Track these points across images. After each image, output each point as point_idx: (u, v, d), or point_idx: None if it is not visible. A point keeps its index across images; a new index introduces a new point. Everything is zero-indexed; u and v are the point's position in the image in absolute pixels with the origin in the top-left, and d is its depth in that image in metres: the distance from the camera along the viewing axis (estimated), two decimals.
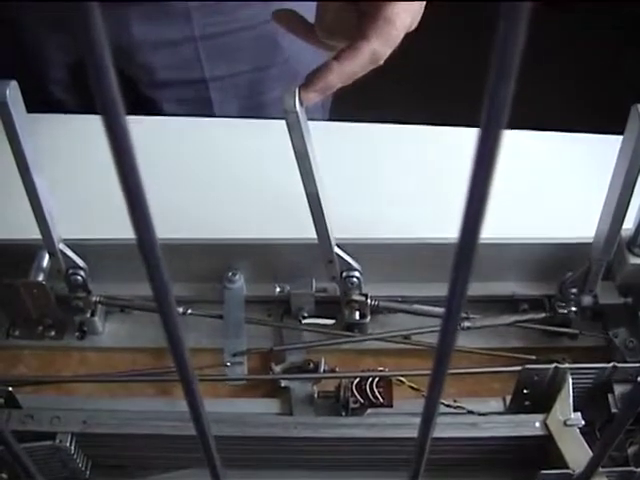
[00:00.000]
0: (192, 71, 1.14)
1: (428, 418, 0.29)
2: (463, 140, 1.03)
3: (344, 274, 0.80)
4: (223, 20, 1.09)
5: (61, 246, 0.78)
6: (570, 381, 0.71)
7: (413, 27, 0.70)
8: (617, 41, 2.79)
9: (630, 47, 2.71)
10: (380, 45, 0.66)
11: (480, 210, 0.21)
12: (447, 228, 0.71)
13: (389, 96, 2.36)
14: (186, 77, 1.15)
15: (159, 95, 1.17)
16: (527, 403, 0.74)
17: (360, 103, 1.37)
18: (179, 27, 1.08)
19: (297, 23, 0.74)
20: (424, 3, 0.71)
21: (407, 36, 0.70)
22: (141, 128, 1.02)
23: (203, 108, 1.17)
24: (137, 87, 1.15)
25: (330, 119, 1.31)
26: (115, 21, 1.04)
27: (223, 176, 1.04)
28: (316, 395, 0.77)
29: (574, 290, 0.81)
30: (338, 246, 0.77)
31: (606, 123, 0.96)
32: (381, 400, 0.74)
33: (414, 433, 0.66)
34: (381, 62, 0.68)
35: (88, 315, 0.84)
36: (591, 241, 0.78)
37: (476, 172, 0.20)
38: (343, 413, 0.75)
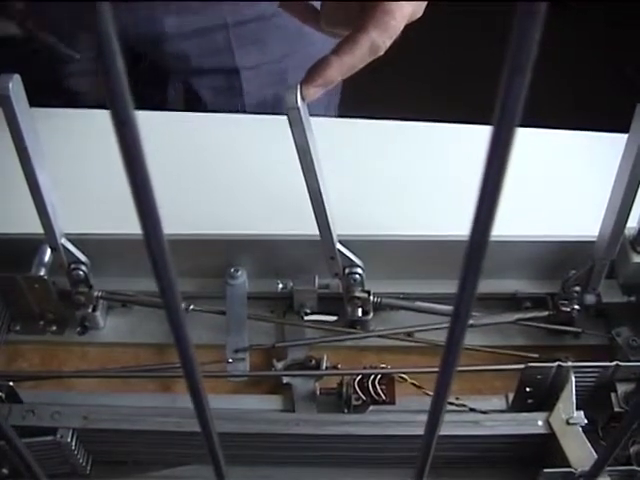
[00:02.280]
0: (224, 59, 1.15)
1: (435, 417, 0.29)
2: (468, 137, 1.03)
3: (346, 271, 0.80)
4: (253, 7, 1.09)
5: (63, 241, 0.78)
6: (573, 379, 0.70)
7: (417, 16, 0.69)
8: (617, 38, 2.78)
9: (630, 45, 2.70)
10: (378, 36, 0.65)
11: (492, 207, 0.20)
12: (450, 225, 0.71)
13: (395, 92, 2.36)
14: (218, 65, 1.16)
15: (196, 83, 1.18)
16: (530, 401, 0.74)
17: (365, 99, 1.37)
18: (211, 15, 1.08)
19: (304, 11, 0.73)
20: None
21: (419, 32, 0.70)
22: (144, 123, 1.02)
23: (235, 96, 1.18)
24: (174, 77, 1.16)
25: (335, 115, 1.32)
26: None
27: (226, 172, 1.03)
28: (318, 392, 0.77)
29: (577, 288, 0.81)
30: (340, 242, 0.77)
31: (609, 121, 0.96)
32: (383, 397, 0.74)
33: (416, 430, 0.66)
34: (381, 53, 0.67)
35: (89, 310, 0.84)
36: (595, 239, 0.78)
37: (489, 168, 0.19)
38: (345, 410, 0.75)
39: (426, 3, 0.70)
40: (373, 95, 1.86)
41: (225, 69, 1.17)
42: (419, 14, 0.69)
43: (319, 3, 0.73)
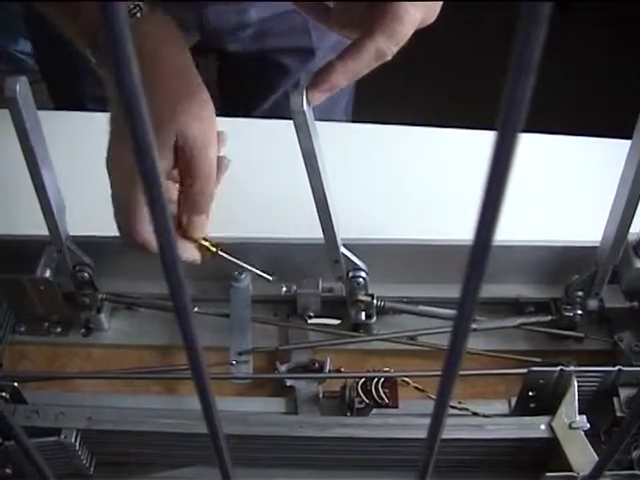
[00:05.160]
0: (300, 38, 1.17)
1: (437, 421, 0.29)
2: (473, 142, 1.03)
3: (350, 274, 0.80)
4: None
5: (68, 243, 0.78)
6: (575, 384, 0.70)
7: (428, 22, 0.68)
8: (621, 43, 2.78)
9: (635, 49, 2.70)
10: (385, 42, 0.64)
11: (495, 212, 0.21)
12: (454, 229, 0.72)
13: (400, 97, 2.36)
14: (295, 44, 1.19)
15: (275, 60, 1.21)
16: (532, 405, 0.74)
17: (371, 104, 1.37)
18: None
19: (318, 10, 0.73)
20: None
21: (431, 38, 0.69)
22: None
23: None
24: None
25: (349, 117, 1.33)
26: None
27: (231, 175, 1.03)
28: (321, 395, 0.77)
29: (580, 293, 0.81)
30: (345, 246, 0.77)
31: (612, 126, 0.96)
32: (386, 401, 0.74)
33: (419, 434, 0.66)
34: (387, 59, 0.66)
35: (94, 312, 0.84)
36: (598, 245, 0.78)
37: (492, 173, 0.20)
38: (348, 413, 0.75)
39: (439, 10, 0.68)
40: (378, 100, 1.86)
41: (301, 48, 1.19)
42: (431, 20, 0.68)
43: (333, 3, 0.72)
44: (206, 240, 0.75)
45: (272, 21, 1.14)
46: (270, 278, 0.81)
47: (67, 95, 1.22)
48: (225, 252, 0.76)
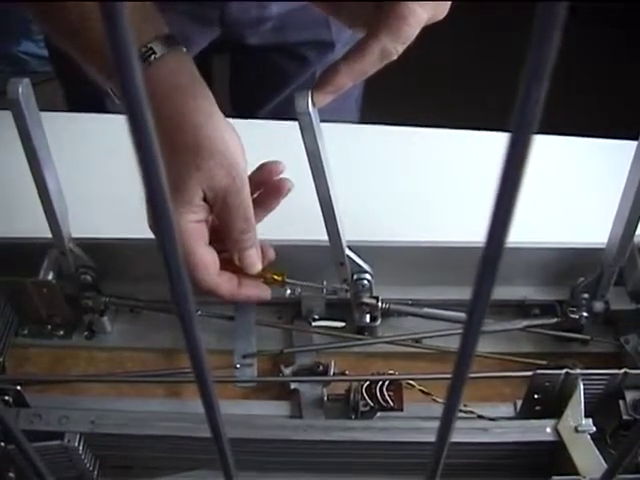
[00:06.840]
0: (320, 32, 1.19)
1: (446, 425, 0.29)
2: (479, 144, 1.03)
3: (355, 276, 0.80)
4: None
5: (71, 245, 0.78)
6: (581, 387, 0.70)
7: (438, 18, 0.66)
8: (630, 45, 2.78)
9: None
10: (390, 42, 0.64)
11: (507, 218, 0.20)
12: (459, 231, 0.71)
13: (407, 98, 2.36)
14: (315, 37, 1.20)
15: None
16: (538, 408, 0.74)
17: (377, 105, 1.37)
18: None
19: (330, 5, 0.72)
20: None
21: (438, 37, 0.68)
22: None
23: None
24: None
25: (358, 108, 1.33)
26: None
27: None
28: (326, 398, 0.77)
29: (586, 295, 0.81)
30: (349, 248, 0.77)
31: (620, 128, 0.95)
32: (391, 404, 0.73)
33: (424, 437, 0.66)
34: (393, 58, 0.65)
35: (97, 315, 0.84)
36: (603, 246, 0.78)
37: (505, 175, 0.19)
38: (353, 416, 0.75)
39: (448, 6, 0.67)
40: (384, 100, 1.86)
41: (321, 41, 1.20)
42: (441, 16, 0.67)
43: None
44: (268, 271, 0.76)
45: (293, 14, 1.15)
46: (347, 287, 0.81)
47: (84, 95, 1.22)
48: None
